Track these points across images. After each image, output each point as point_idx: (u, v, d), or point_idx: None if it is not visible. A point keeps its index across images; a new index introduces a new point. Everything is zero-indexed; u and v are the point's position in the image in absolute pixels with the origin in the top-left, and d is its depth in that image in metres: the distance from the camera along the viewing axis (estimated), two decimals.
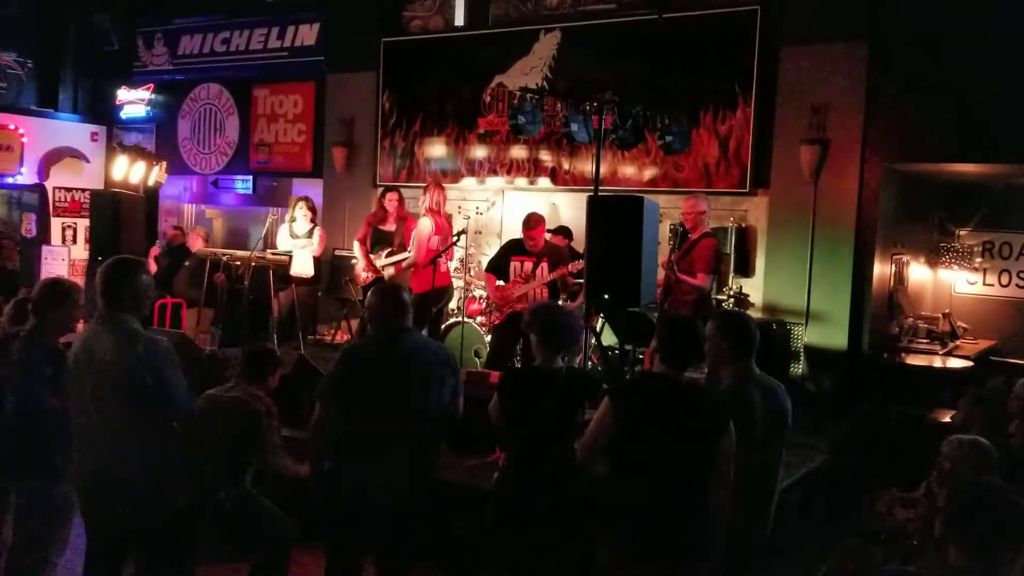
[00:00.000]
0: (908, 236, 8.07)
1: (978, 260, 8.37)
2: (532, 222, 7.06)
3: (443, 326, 7.60)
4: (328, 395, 3.79)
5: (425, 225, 7.26)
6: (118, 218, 7.01)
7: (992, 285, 8.38)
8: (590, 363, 6.40)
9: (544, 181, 8.56)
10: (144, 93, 11.53)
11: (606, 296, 5.26)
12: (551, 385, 3.82)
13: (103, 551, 3.64)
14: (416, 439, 3.76)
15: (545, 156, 8.57)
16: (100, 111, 11.91)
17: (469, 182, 8.99)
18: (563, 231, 7.79)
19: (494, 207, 8.84)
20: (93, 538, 3.67)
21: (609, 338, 6.90)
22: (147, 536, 3.59)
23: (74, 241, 11.19)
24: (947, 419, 5.76)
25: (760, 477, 3.66)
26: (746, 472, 3.49)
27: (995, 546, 2.66)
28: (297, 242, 8.42)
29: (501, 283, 7.11)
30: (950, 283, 8.55)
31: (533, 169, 8.64)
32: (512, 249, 7.19)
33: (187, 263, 9.20)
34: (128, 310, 3.55)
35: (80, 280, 10.56)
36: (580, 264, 6.80)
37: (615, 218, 5.22)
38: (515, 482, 3.88)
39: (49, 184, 11.18)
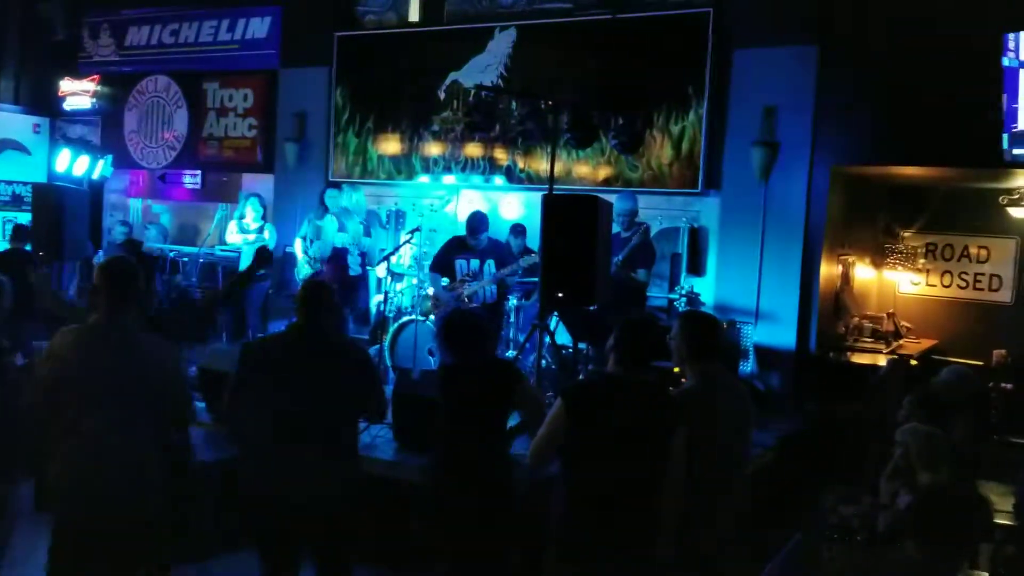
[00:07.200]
0: (854, 237, 8.23)
1: (921, 261, 8.58)
2: (476, 221, 7.09)
3: (396, 324, 7.56)
4: (233, 388, 3.79)
5: None
6: (61, 213, 6.81)
7: (935, 286, 8.59)
8: (544, 362, 6.41)
9: (499, 179, 8.55)
10: (89, 84, 11.24)
11: (560, 295, 5.28)
12: (473, 373, 3.94)
13: (80, 557, 3.54)
14: (328, 435, 3.75)
15: (500, 154, 8.56)
16: (43, 102, 11.58)
17: (423, 179, 8.95)
18: (518, 229, 7.80)
19: (448, 204, 8.81)
20: (68, 544, 3.55)
21: (563, 337, 6.92)
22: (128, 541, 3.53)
23: None
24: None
25: (719, 478, 3.70)
26: (710, 472, 3.53)
27: (956, 544, 2.75)
28: (247, 238, 8.34)
29: (447, 281, 7.11)
30: (894, 283, 8.74)
31: (488, 167, 8.62)
32: (455, 247, 7.19)
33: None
34: (130, 312, 3.54)
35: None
36: (532, 257, 6.84)
37: (570, 217, 5.24)
38: (440, 474, 3.97)
39: None
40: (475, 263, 7.07)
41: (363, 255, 8.10)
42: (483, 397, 3.92)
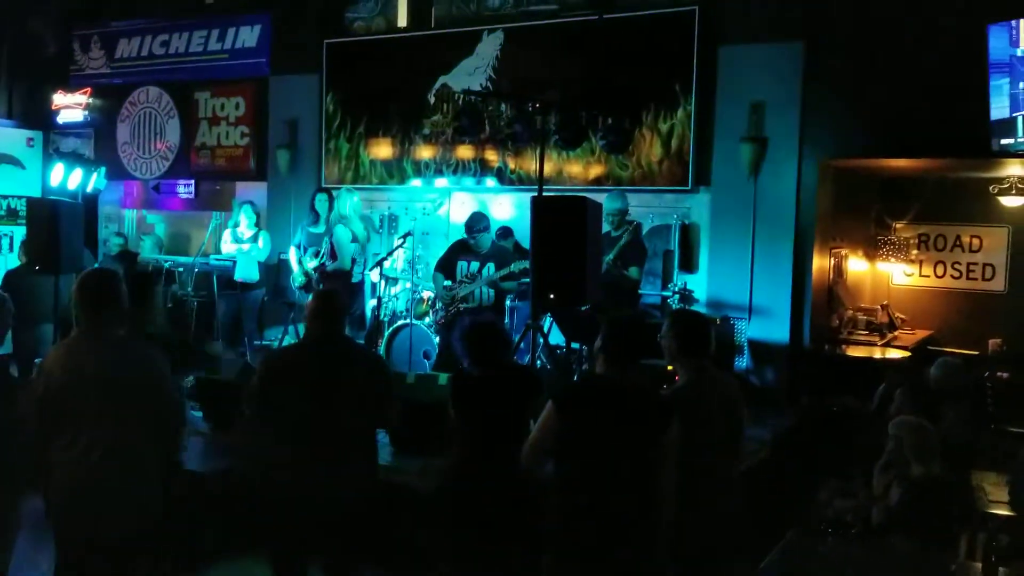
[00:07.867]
0: (846, 230, 8.25)
1: (914, 252, 8.61)
2: (472, 219, 7.12)
3: (391, 328, 7.59)
4: (254, 399, 3.82)
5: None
6: (56, 226, 6.83)
7: (928, 276, 8.62)
8: (538, 362, 6.43)
9: (490, 181, 8.58)
10: (81, 97, 11.27)
11: (551, 296, 5.31)
12: (492, 381, 3.90)
13: (81, 568, 3.55)
14: (346, 442, 3.78)
15: (491, 156, 8.59)
16: (35, 116, 11.59)
17: (415, 183, 8.97)
18: (504, 231, 7.82)
19: (440, 208, 8.84)
20: (69, 555, 3.56)
21: (558, 337, 6.94)
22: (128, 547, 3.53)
23: (11, 250, 10.90)
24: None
25: (714, 476, 3.71)
26: (703, 469, 3.54)
27: (946, 534, 2.77)
28: (241, 246, 8.36)
29: (448, 283, 7.15)
30: (887, 275, 8.77)
31: (479, 169, 8.65)
32: (459, 248, 7.23)
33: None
34: (116, 321, 3.54)
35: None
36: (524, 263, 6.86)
37: (559, 218, 5.26)
38: (461, 482, 3.94)
39: None
40: (475, 265, 7.10)
41: (364, 260, 8.12)
42: (501, 406, 3.89)
